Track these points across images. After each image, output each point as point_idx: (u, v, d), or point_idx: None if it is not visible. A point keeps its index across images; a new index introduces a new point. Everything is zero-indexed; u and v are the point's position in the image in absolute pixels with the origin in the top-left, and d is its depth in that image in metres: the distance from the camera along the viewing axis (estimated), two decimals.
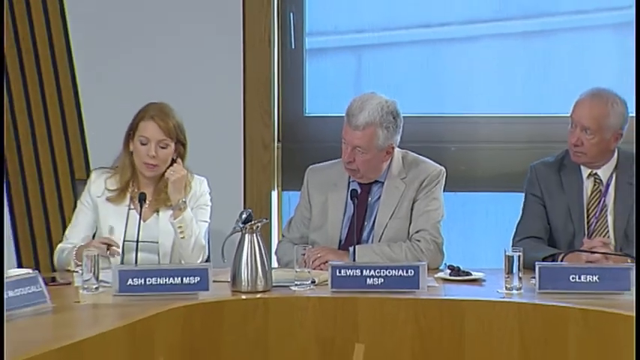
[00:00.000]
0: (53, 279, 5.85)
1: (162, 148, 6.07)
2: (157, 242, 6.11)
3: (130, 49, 7.21)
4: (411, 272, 5.62)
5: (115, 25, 7.22)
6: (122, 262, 6.04)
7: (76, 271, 5.82)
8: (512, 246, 5.88)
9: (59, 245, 6.23)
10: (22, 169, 7.24)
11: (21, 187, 7.25)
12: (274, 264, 6.11)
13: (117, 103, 6.78)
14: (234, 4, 7.08)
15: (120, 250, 5.98)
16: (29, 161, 7.23)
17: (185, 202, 6.06)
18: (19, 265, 7.06)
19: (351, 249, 6.05)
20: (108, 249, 5.90)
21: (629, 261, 5.74)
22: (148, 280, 5.58)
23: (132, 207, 6.09)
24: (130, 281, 5.56)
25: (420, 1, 7.37)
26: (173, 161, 6.10)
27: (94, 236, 6.18)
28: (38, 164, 7.24)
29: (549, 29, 7.32)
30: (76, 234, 6.15)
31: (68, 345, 5.01)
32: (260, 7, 7.09)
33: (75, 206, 6.32)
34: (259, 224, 5.71)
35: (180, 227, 6.04)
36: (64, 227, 6.83)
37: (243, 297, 5.64)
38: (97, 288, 5.65)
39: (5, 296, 5.31)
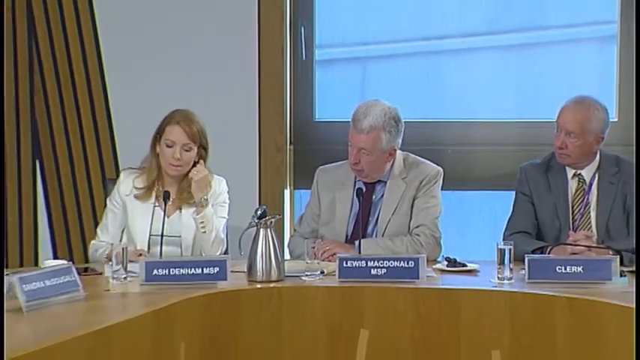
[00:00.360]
0: (86, 269, 5.88)
1: (186, 150, 6.08)
2: (180, 236, 6.12)
3: (155, 59, 7.21)
4: (411, 264, 5.63)
5: (142, 37, 7.22)
6: (149, 255, 6.05)
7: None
8: (504, 240, 5.89)
9: (92, 242, 6.25)
10: (57, 170, 7.24)
11: (56, 186, 7.25)
12: (287, 256, 6.11)
13: (143, 108, 6.79)
14: (251, 19, 7.08)
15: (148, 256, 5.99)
16: (64, 162, 7.23)
17: (207, 199, 6.07)
18: (55, 257, 7.06)
19: (356, 242, 6.07)
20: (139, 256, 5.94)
21: (610, 253, 5.75)
22: (171, 270, 5.60)
23: (157, 204, 6.10)
24: (155, 272, 5.58)
25: (420, 16, 7.37)
26: (195, 163, 6.11)
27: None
28: (72, 165, 7.24)
29: (538, 42, 7.32)
30: (106, 232, 6.17)
31: (98, 330, 5.03)
32: (274, 21, 7.09)
33: (105, 203, 6.32)
34: (273, 220, 5.72)
35: (202, 222, 6.05)
36: (96, 221, 6.85)
37: (259, 286, 5.66)
38: (125, 278, 5.67)
39: (42, 285, 5.32)
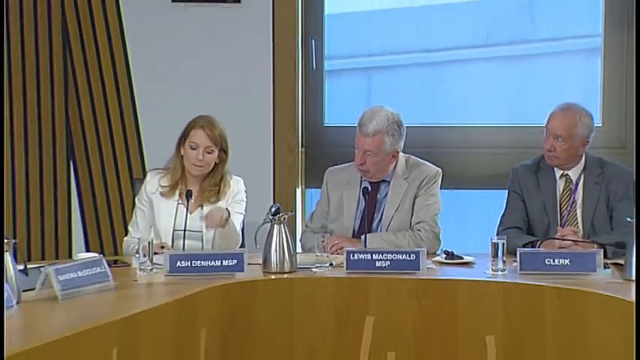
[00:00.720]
0: (115, 261, 5.89)
1: (209, 153, 6.09)
2: (201, 231, 6.12)
3: (179, 70, 7.22)
4: (412, 256, 5.63)
5: (167, 50, 7.22)
6: (172, 248, 6.06)
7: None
8: (497, 235, 5.89)
9: (125, 239, 6.28)
10: (89, 170, 7.24)
11: (88, 185, 7.26)
12: (298, 249, 6.10)
13: (168, 114, 6.79)
14: (266, 33, 7.09)
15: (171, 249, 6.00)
16: (95, 163, 7.23)
17: (228, 211, 6.07)
18: (87, 250, 7.06)
19: (362, 237, 6.05)
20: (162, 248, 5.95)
21: (595, 247, 5.74)
22: (193, 262, 5.61)
23: (180, 202, 6.10)
24: (178, 263, 5.59)
25: (421, 30, 7.37)
26: (216, 165, 6.12)
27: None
28: (102, 165, 7.25)
29: (529, 54, 7.32)
30: (137, 229, 6.19)
31: (126, 317, 5.04)
32: (287, 35, 7.09)
33: (133, 201, 6.34)
34: (286, 216, 5.73)
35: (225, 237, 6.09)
36: (124, 217, 6.85)
37: (273, 277, 5.67)
38: (151, 269, 5.68)
39: (75, 276, 5.33)
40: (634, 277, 5.45)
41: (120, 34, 7.21)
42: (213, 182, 6.18)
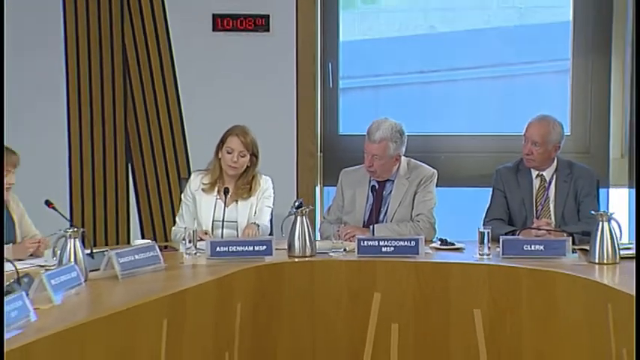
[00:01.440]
0: (165, 247, 5.91)
1: (242, 156, 6.11)
2: (236, 222, 6.13)
3: (219, 86, 7.22)
4: (413, 243, 5.64)
5: (209, 69, 7.23)
6: (212, 236, 6.08)
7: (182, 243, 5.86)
8: (483, 225, 5.87)
9: (173, 228, 6.30)
10: (144, 171, 7.26)
11: (143, 183, 7.28)
12: (317, 237, 6.12)
13: (208, 124, 6.79)
14: (291, 57, 7.09)
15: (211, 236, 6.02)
16: (149, 166, 7.26)
17: (258, 225, 6.13)
18: (142, 237, 7.09)
19: (371, 227, 6.09)
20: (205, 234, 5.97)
21: (564, 235, 5.73)
22: (230, 247, 5.63)
23: (218, 197, 6.12)
24: (217, 248, 5.60)
25: (419, 54, 7.37)
26: (248, 167, 6.15)
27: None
28: (155, 167, 7.27)
29: (510, 74, 7.32)
30: (182, 220, 6.20)
31: (175, 293, 5.07)
32: (309, 59, 7.10)
33: (180, 197, 6.36)
34: (307, 210, 5.73)
35: (258, 210, 6.12)
36: (173, 210, 6.87)
37: (296, 260, 5.68)
38: (195, 253, 5.69)
39: (133, 258, 5.36)
40: (597, 260, 5.48)
41: (170, 57, 7.23)
42: (246, 181, 6.20)
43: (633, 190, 6.99)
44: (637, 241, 5.19)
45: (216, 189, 6.16)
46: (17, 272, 4.88)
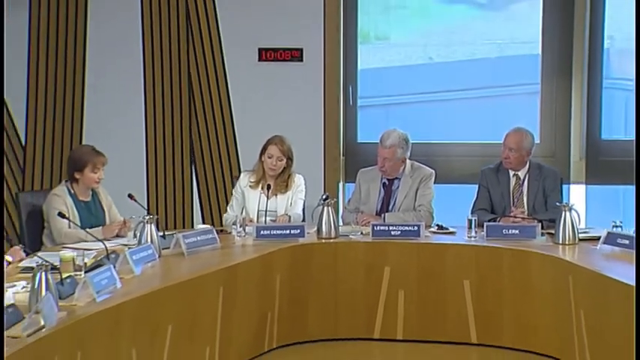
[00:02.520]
0: (221, 230, 5.88)
1: (279, 160, 6.10)
2: (276, 211, 6.11)
3: (263, 103, 7.19)
4: (415, 228, 5.64)
5: (255, 91, 7.20)
6: (257, 222, 6.07)
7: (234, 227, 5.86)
8: (471, 214, 5.87)
9: (225, 215, 6.28)
10: (204, 170, 7.26)
11: (204, 181, 7.28)
12: (340, 223, 6.10)
13: (254, 133, 6.73)
14: (319, 81, 7.07)
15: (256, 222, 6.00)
16: (208, 166, 7.26)
17: (289, 216, 6.09)
18: (203, 222, 7.09)
19: (383, 215, 6.08)
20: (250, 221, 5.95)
21: (535, 222, 5.71)
22: (271, 231, 5.64)
23: (262, 192, 6.10)
24: (262, 232, 5.61)
25: (421, 80, 7.35)
26: (285, 169, 6.13)
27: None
28: (213, 168, 7.27)
29: (492, 95, 7.28)
30: (232, 210, 6.17)
31: (229, 266, 5.10)
32: (333, 82, 7.07)
33: (231, 192, 6.36)
34: (332, 201, 5.73)
35: (292, 202, 6.10)
36: (226, 201, 6.85)
37: (323, 241, 5.67)
38: (244, 236, 5.70)
39: (195, 239, 5.36)
40: (560, 242, 5.46)
41: (225, 81, 7.22)
42: (283, 179, 6.17)
43: (589, 186, 6.98)
44: (637, 238, 5.04)
45: (260, 185, 6.15)
46: (107, 250, 4.91)
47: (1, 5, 4.60)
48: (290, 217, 6.07)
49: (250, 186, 6.18)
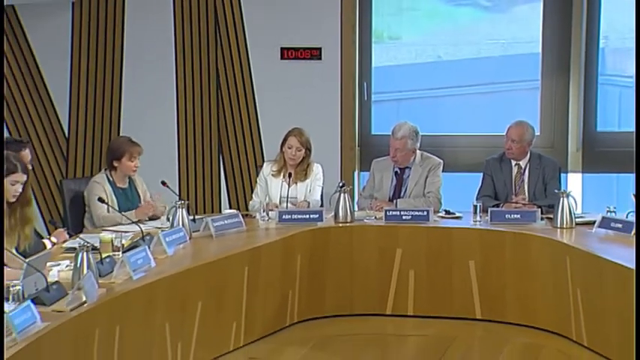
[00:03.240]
0: (246, 215, 5.88)
1: (298, 151, 6.08)
2: (296, 197, 6.10)
3: (284, 98, 7.15)
4: (425, 213, 5.65)
5: (278, 87, 7.17)
6: (279, 207, 6.07)
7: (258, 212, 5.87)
8: (476, 200, 5.85)
9: (251, 202, 6.27)
10: (231, 160, 7.24)
11: (230, 170, 7.26)
12: (356, 208, 6.10)
13: (276, 126, 6.70)
14: (336, 78, 7.03)
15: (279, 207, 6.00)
16: (234, 155, 7.22)
17: (308, 202, 6.07)
18: (230, 207, 7.09)
19: (395, 201, 6.07)
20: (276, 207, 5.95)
21: (535, 207, 5.70)
22: (292, 215, 5.65)
23: (284, 180, 6.11)
24: (284, 216, 5.62)
25: (430, 77, 7.31)
26: (304, 158, 6.11)
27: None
28: (239, 158, 7.24)
29: (496, 91, 7.24)
30: (257, 196, 6.14)
31: (253, 247, 5.13)
32: (349, 79, 7.02)
33: (256, 179, 6.36)
34: (348, 188, 5.74)
35: (311, 190, 6.10)
36: (251, 188, 6.85)
37: (340, 225, 5.67)
38: (267, 220, 5.71)
39: (223, 223, 5.38)
40: (558, 226, 5.45)
41: (250, 78, 7.19)
42: (303, 168, 6.14)
43: (585, 175, 6.94)
44: (637, 234, 4.98)
45: (281, 174, 6.15)
46: (142, 232, 4.94)
47: (1, 5, 4.43)
48: (309, 202, 6.08)
49: (272, 175, 6.17)
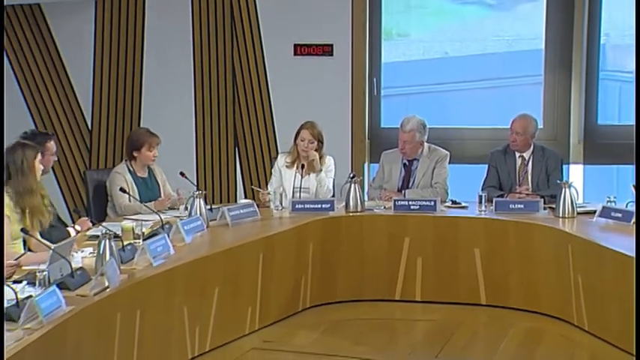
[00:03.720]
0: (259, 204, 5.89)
1: (311, 143, 6.05)
2: (309, 188, 6.09)
3: (297, 93, 7.14)
4: (432, 203, 5.64)
5: (291, 81, 7.15)
6: (293, 197, 6.06)
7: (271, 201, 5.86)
8: (481, 190, 5.83)
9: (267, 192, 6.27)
10: (246, 151, 7.23)
11: (246, 160, 7.25)
12: (366, 198, 6.09)
13: (290, 119, 6.67)
14: (347, 73, 7.02)
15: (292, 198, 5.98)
16: (250, 147, 7.21)
17: (321, 169, 6.05)
18: (245, 197, 7.09)
19: (403, 191, 6.04)
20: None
21: (538, 197, 5.68)
22: (305, 205, 5.65)
23: (297, 171, 6.10)
24: (297, 206, 5.63)
25: (437, 72, 7.28)
26: (316, 150, 6.10)
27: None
28: (254, 150, 7.24)
29: (501, 85, 7.22)
30: (271, 186, 6.10)
31: (268, 235, 5.13)
32: (360, 74, 7.00)
33: (271, 170, 6.35)
34: (358, 179, 5.74)
35: (320, 182, 6.06)
36: (266, 179, 6.86)
37: (351, 214, 5.66)
38: (281, 209, 5.71)
39: (239, 212, 5.38)
40: (560, 215, 5.43)
41: (264, 73, 7.19)
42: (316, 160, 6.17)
43: (587, 166, 6.91)
44: (637, 223, 4.94)
45: (295, 166, 6.14)
46: (162, 221, 4.94)
47: (2, 5, 4.33)
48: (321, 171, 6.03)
49: (287, 166, 6.16)
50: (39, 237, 4.49)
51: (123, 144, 7.18)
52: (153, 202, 5.72)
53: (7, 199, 4.49)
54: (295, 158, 6.13)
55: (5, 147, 4.77)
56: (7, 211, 4.48)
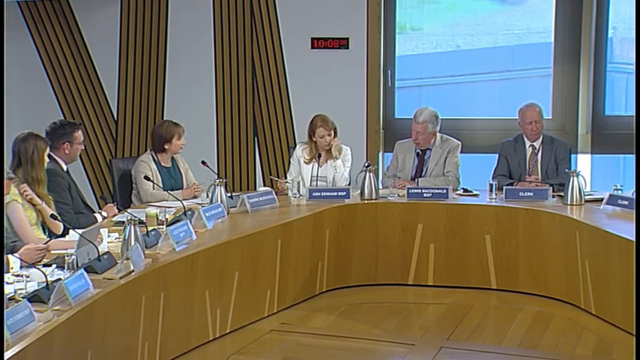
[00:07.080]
0: (277, 192, 5.89)
1: (329, 136, 5.99)
2: (326, 177, 6.09)
3: (314, 85, 7.13)
4: (444, 191, 5.62)
5: (308, 73, 7.14)
6: (310, 186, 6.06)
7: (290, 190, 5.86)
8: (492, 179, 5.83)
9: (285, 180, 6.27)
10: (265, 141, 7.24)
11: (264, 151, 7.26)
12: (380, 186, 6.09)
13: (308, 109, 6.65)
14: (362, 65, 6.98)
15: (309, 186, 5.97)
16: (269, 138, 7.22)
17: (338, 157, 6.04)
18: (264, 185, 7.08)
19: (416, 180, 6.04)
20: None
21: (547, 186, 5.66)
22: (322, 193, 5.66)
23: (315, 161, 6.09)
24: (314, 194, 5.63)
25: (449, 65, 7.26)
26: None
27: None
28: (272, 139, 7.24)
29: (511, 77, 7.18)
30: (290, 175, 6.13)
31: (286, 222, 5.12)
32: (375, 67, 6.98)
33: (289, 160, 6.35)
34: (373, 168, 5.73)
35: (336, 168, 6.05)
36: (284, 167, 6.87)
37: (366, 202, 5.66)
38: (299, 197, 5.71)
39: (258, 199, 5.38)
40: (569, 203, 5.41)
41: (283, 66, 7.19)
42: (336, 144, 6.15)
43: (594, 156, 6.87)
44: (637, 224, 4.84)
45: (312, 160, 6.11)
46: (184, 208, 4.95)
47: (1, 5, 4.40)
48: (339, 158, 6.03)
49: (304, 162, 6.14)
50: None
51: (147, 133, 7.20)
52: (179, 191, 5.75)
53: (14, 189, 4.50)
54: (313, 155, 6.10)
55: (17, 136, 4.80)
56: (19, 199, 4.51)
